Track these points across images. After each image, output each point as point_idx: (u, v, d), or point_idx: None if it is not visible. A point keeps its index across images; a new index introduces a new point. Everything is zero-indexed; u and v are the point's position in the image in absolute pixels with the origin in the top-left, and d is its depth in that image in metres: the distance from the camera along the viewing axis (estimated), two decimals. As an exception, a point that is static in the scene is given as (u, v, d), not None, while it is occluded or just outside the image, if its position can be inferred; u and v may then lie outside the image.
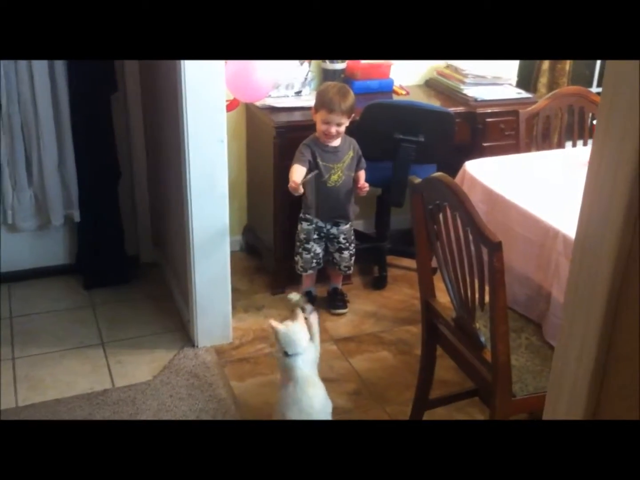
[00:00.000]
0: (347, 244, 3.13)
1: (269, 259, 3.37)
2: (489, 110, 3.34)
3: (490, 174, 2.45)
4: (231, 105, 3.00)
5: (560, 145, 3.13)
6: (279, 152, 3.05)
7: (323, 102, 2.88)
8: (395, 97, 3.50)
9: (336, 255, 3.13)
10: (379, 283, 3.44)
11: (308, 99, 3.27)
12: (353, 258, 3.17)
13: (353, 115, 2.95)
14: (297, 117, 3.16)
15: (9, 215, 3.16)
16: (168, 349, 2.88)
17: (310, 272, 3.14)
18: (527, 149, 2.99)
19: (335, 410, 2.40)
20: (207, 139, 2.59)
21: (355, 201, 3.16)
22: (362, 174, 3.09)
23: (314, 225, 3.06)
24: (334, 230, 3.09)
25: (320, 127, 2.91)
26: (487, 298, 1.85)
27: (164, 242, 3.39)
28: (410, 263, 3.54)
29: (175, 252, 3.11)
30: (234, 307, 2.96)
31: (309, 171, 2.92)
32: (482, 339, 1.95)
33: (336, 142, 2.98)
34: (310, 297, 3.14)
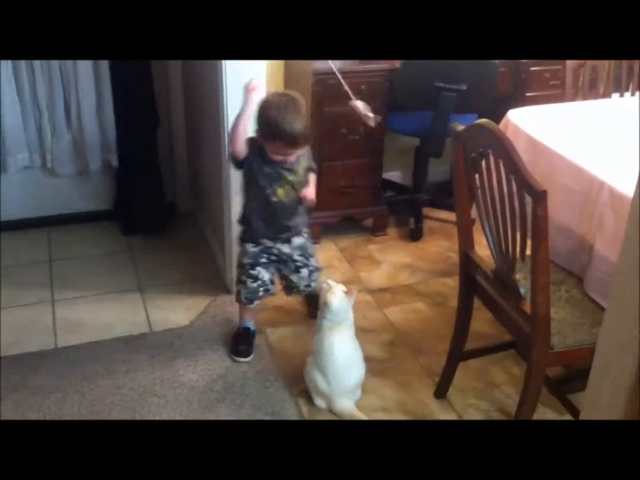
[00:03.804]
0: (305, 260, 2.52)
1: (305, 208, 3.34)
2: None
3: (534, 123, 2.38)
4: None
5: (607, 96, 3.03)
6: (318, 100, 3.01)
7: (281, 134, 2.17)
8: (436, 45, 3.41)
9: (293, 277, 2.52)
10: (414, 235, 3.41)
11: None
12: (315, 273, 2.56)
13: None
14: (337, 63, 3.09)
15: (48, 160, 3.18)
16: (204, 296, 2.90)
17: (256, 303, 2.54)
18: (573, 99, 2.90)
19: (369, 360, 2.42)
20: (245, 83, 2.55)
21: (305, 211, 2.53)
22: (312, 178, 2.46)
23: (261, 247, 2.45)
24: (286, 249, 2.47)
25: (276, 156, 2.26)
26: (528, 249, 1.82)
27: (201, 191, 3.39)
28: (447, 215, 3.50)
29: (212, 201, 3.11)
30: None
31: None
32: (522, 290, 1.92)
33: None
34: (248, 336, 2.62)
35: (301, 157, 2.35)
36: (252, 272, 2.47)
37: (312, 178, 2.46)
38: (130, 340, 2.63)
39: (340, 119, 3.08)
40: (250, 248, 2.45)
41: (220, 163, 2.73)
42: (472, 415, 2.33)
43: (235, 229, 2.76)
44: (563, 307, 2.04)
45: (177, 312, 2.81)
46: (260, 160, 2.30)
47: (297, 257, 2.50)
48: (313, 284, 2.57)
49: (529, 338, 1.89)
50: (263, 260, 2.47)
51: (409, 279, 3.08)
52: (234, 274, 2.82)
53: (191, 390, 2.38)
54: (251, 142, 2.30)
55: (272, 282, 2.53)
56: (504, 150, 1.75)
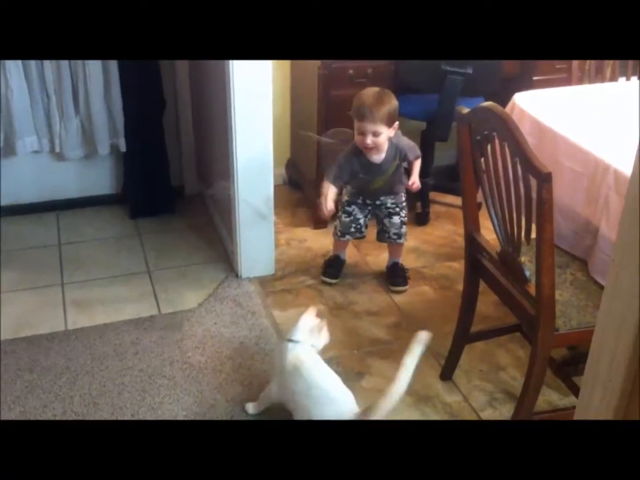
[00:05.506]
0: (398, 209, 2.85)
1: (311, 192, 3.36)
2: (541, 43, 3.24)
3: (540, 106, 2.38)
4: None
5: (614, 79, 3.03)
6: (324, 83, 3.01)
7: (355, 109, 2.61)
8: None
9: (385, 221, 2.86)
10: (421, 219, 3.42)
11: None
12: (405, 226, 2.89)
13: (396, 123, 2.65)
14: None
15: (56, 144, 3.20)
16: (212, 279, 2.93)
17: (347, 238, 2.91)
18: (579, 82, 2.91)
19: (375, 342, 2.44)
20: (251, 67, 2.56)
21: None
22: (416, 165, 2.77)
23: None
24: (381, 198, 2.86)
25: (356, 137, 2.65)
26: (533, 233, 1.84)
27: (208, 175, 3.41)
28: (453, 200, 3.51)
29: (219, 183, 3.12)
30: (276, 240, 2.98)
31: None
32: (527, 273, 1.94)
33: (379, 157, 2.70)
34: (338, 262, 2.97)
35: (392, 159, 2.71)
36: (348, 208, 2.85)
37: (416, 164, 2.77)
38: (139, 322, 2.66)
39: (347, 102, 3.06)
40: (351, 188, 2.83)
41: (227, 146, 2.74)
42: (478, 397, 2.35)
43: (243, 211, 2.80)
44: (568, 289, 2.05)
45: (185, 294, 2.84)
46: (356, 164, 2.71)
47: (390, 205, 2.84)
48: (403, 238, 2.90)
49: (534, 319, 1.90)
50: (359, 201, 2.84)
51: (414, 262, 3.10)
52: (242, 254, 2.86)
53: (200, 371, 2.42)
54: (351, 147, 2.72)
55: (365, 225, 2.90)
56: (509, 133, 1.76)
